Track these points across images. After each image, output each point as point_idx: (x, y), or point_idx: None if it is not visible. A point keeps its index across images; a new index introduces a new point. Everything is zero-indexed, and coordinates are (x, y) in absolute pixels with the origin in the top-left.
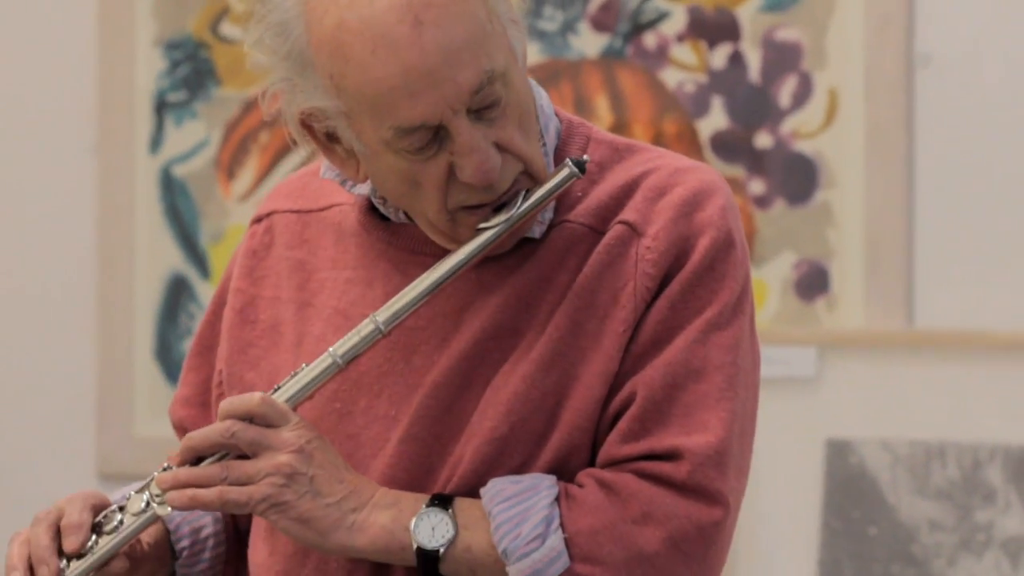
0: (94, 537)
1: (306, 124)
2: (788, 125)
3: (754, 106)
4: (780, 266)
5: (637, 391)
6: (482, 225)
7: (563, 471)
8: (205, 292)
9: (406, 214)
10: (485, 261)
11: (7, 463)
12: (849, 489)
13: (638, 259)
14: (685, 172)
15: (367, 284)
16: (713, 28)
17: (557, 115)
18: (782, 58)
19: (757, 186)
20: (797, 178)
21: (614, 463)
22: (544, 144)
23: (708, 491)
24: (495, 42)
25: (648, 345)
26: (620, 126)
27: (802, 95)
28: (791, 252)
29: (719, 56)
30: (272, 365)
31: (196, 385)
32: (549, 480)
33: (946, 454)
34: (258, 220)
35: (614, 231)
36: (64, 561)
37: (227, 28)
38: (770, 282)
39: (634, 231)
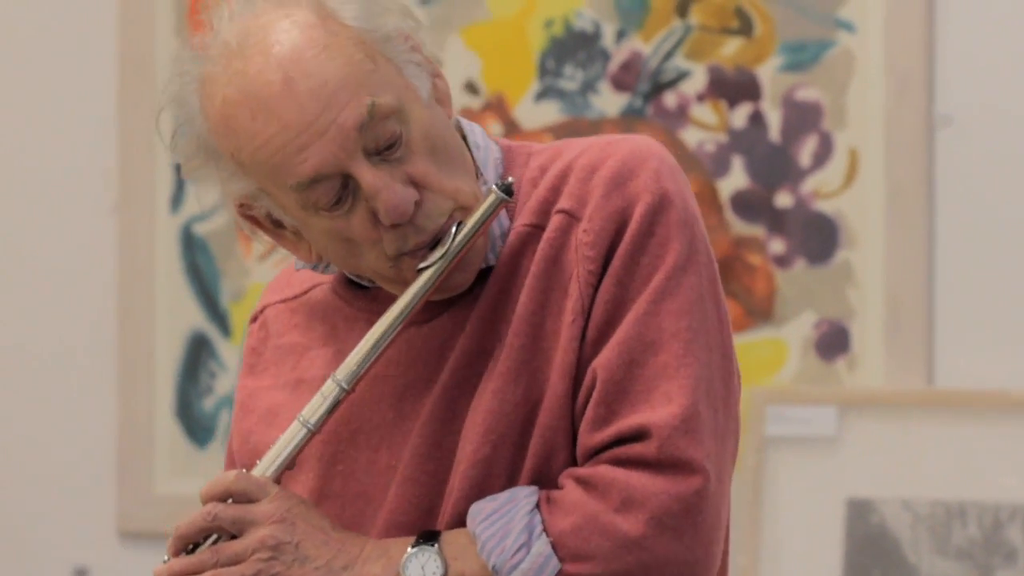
0: None
1: (247, 216)
2: (808, 185)
3: (774, 166)
4: (801, 326)
5: (597, 375)
6: (421, 265)
7: (547, 475)
8: (226, 350)
9: None
10: (456, 298)
11: (27, 521)
12: (870, 548)
13: (577, 244)
14: (615, 144)
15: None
16: (733, 88)
17: (497, 143)
18: (802, 118)
19: (777, 245)
20: (817, 238)
21: (590, 454)
22: (485, 181)
23: (682, 461)
24: (380, 79)
25: (603, 327)
26: None
27: (822, 155)
28: (811, 312)
29: (739, 116)
30: (267, 444)
31: None
32: (528, 490)
33: (967, 514)
34: (254, 319)
35: (553, 222)
36: None
37: None
38: (791, 342)
39: (572, 217)
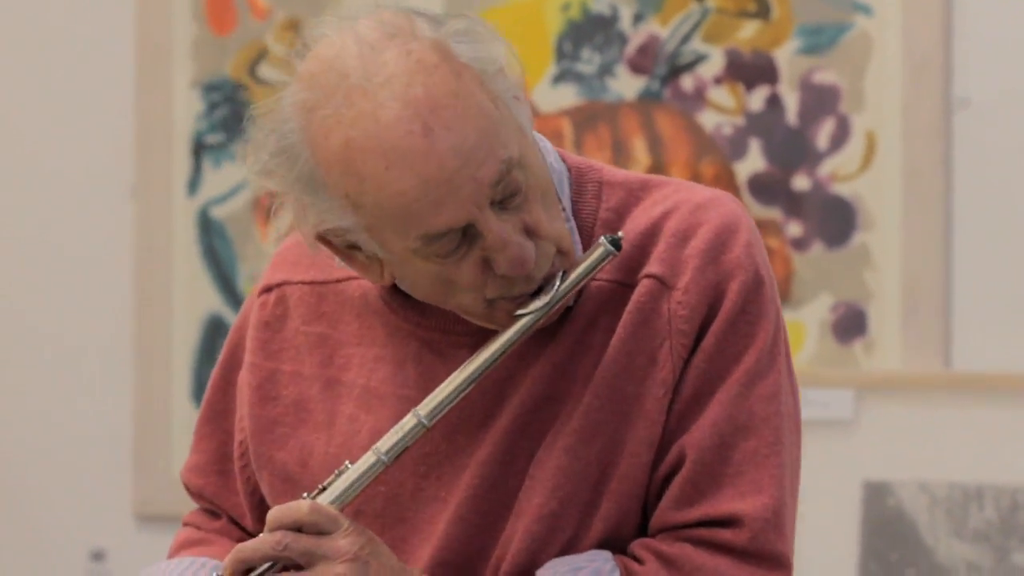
0: None
1: (323, 239)
2: (826, 167)
3: (792, 148)
4: (818, 308)
5: (686, 453)
6: (520, 312)
7: (615, 540)
8: None
9: None
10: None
11: (45, 504)
12: (887, 531)
13: (671, 316)
14: (705, 209)
15: (398, 364)
16: (751, 71)
17: (565, 161)
18: (820, 101)
19: (795, 228)
20: (835, 220)
21: (668, 529)
22: (563, 208)
23: (771, 555)
24: (505, 127)
25: (690, 401)
26: (657, 168)
27: (840, 138)
28: (828, 295)
29: (757, 99)
30: (301, 443)
31: (210, 452)
32: (609, 563)
33: (984, 496)
34: (268, 290)
35: (643, 286)
36: None
37: (265, 70)
38: (808, 324)
39: (663, 284)
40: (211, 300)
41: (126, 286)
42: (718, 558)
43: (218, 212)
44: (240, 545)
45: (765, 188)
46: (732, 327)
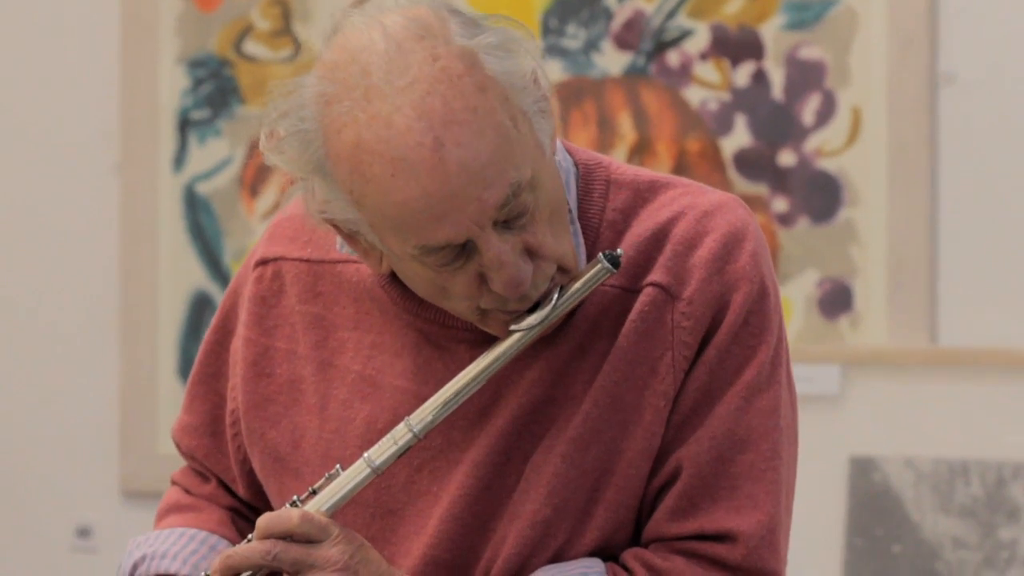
0: None
1: (329, 221)
2: (811, 143)
3: (777, 124)
4: (804, 284)
5: (682, 466)
6: (515, 327)
7: (608, 549)
8: None
9: None
10: None
11: (31, 480)
12: (873, 507)
13: (674, 326)
14: (712, 216)
15: (395, 353)
16: (736, 46)
17: (572, 156)
18: (805, 76)
19: (780, 204)
20: (820, 196)
21: (661, 540)
22: (569, 210)
23: (763, 572)
24: (521, 148)
25: (689, 413)
26: (643, 144)
27: (825, 113)
28: (814, 270)
29: (742, 74)
30: (294, 425)
31: (203, 414)
32: (599, 574)
33: (970, 472)
34: (263, 263)
35: (646, 294)
36: None
37: (250, 46)
38: (794, 300)
39: (668, 294)
40: (197, 276)
41: (112, 262)
42: (711, 573)
43: (203, 188)
44: (229, 551)
45: (751, 164)
46: (735, 339)
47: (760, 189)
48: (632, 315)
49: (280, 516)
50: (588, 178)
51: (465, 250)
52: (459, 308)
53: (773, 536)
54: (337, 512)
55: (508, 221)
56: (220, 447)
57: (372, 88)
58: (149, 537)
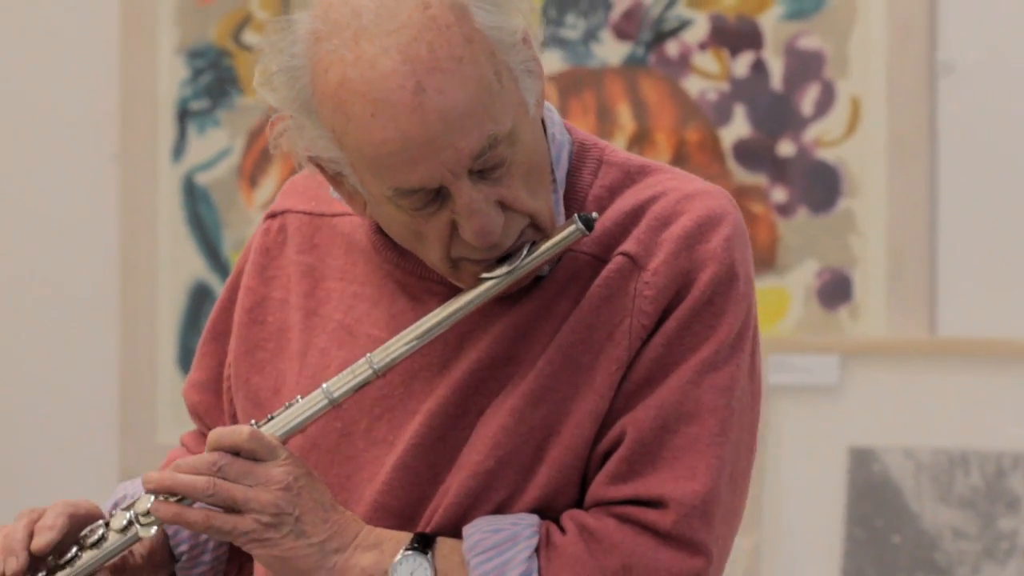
0: (75, 550)
1: (314, 161)
2: (811, 133)
3: (777, 114)
4: (803, 274)
5: (627, 431)
6: (484, 275)
7: (550, 508)
8: None
9: None
10: None
11: (31, 470)
12: (872, 497)
13: (636, 295)
14: (692, 199)
15: (373, 302)
16: (735, 36)
17: (571, 133)
18: (804, 66)
19: (780, 194)
20: (820, 186)
21: (599, 504)
22: (555, 180)
23: (691, 541)
24: (503, 101)
25: (641, 383)
26: (642, 134)
27: (824, 103)
28: (814, 260)
29: (741, 64)
30: (278, 371)
31: (210, 370)
32: (530, 528)
33: (969, 462)
34: (272, 216)
35: (615, 262)
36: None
37: (249, 36)
38: (793, 290)
39: (635, 264)
40: (196, 267)
41: (111, 253)
42: (639, 537)
43: (203, 178)
44: (178, 461)
45: (750, 154)
46: (696, 316)
47: (759, 179)
48: (598, 281)
49: (231, 430)
50: (581, 155)
51: (439, 196)
52: (432, 257)
53: (707, 509)
54: (300, 456)
55: (483, 172)
56: (220, 404)
57: (361, 30)
58: (135, 481)
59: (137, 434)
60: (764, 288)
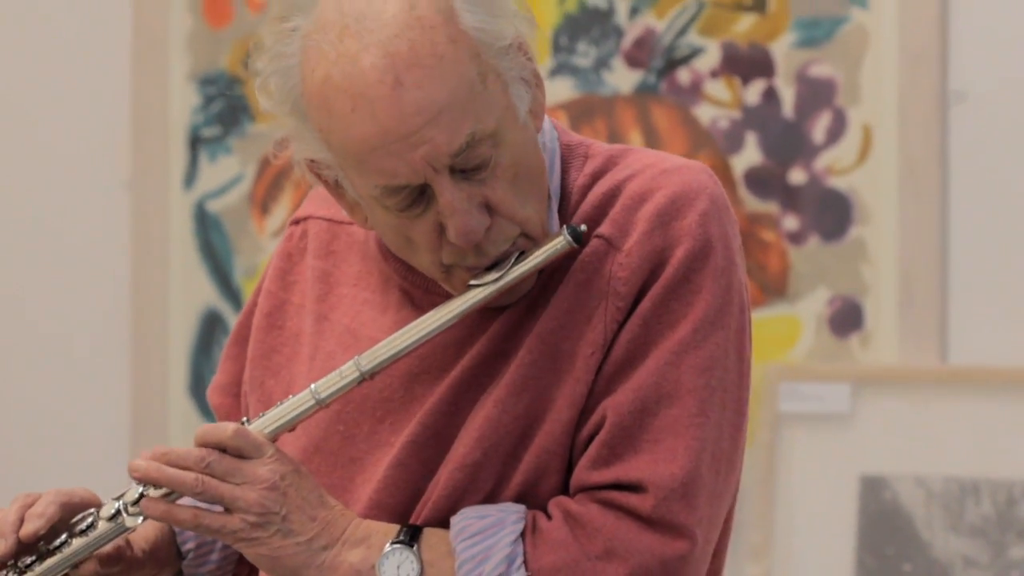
0: (65, 536)
1: (313, 170)
2: (822, 161)
3: (788, 142)
4: (814, 302)
5: (607, 416)
6: (473, 282)
7: (534, 495)
8: None
9: None
10: None
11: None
12: (883, 525)
13: (611, 276)
14: (667, 175)
15: (381, 309)
16: (747, 64)
17: (560, 139)
18: (816, 94)
19: (791, 222)
20: (831, 214)
21: (584, 489)
22: (548, 187)
23: (673, 524)
24: (486, 102)
25: (620, 364)
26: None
27: (836, 131)
28: (825, 288)
29: (753, 92)
30: (291, 375)
31: (233, 374)
32: (516, 515)
33: (980, 490)
34: (296, 222)
35: (591, 246)
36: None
37: None
38: (804, 318)
39: (610, 245)
40: (207, 294)
41: (122, 280)
42: (621, 521)
43: (214, 206)
44: (167, 448)
45: (761, 182)
46: (671, 294)
47: (770, 207)
48: (575, 265)
49: (217, 427)
50: (568, 156)
51: (424, 196)
52: (424, 263)
53: (688, 491)
54: (304, 460)
55: (466, 171)
56: (239, 407)
57: (346, 28)
58: None
59: None
60: (775, 316)
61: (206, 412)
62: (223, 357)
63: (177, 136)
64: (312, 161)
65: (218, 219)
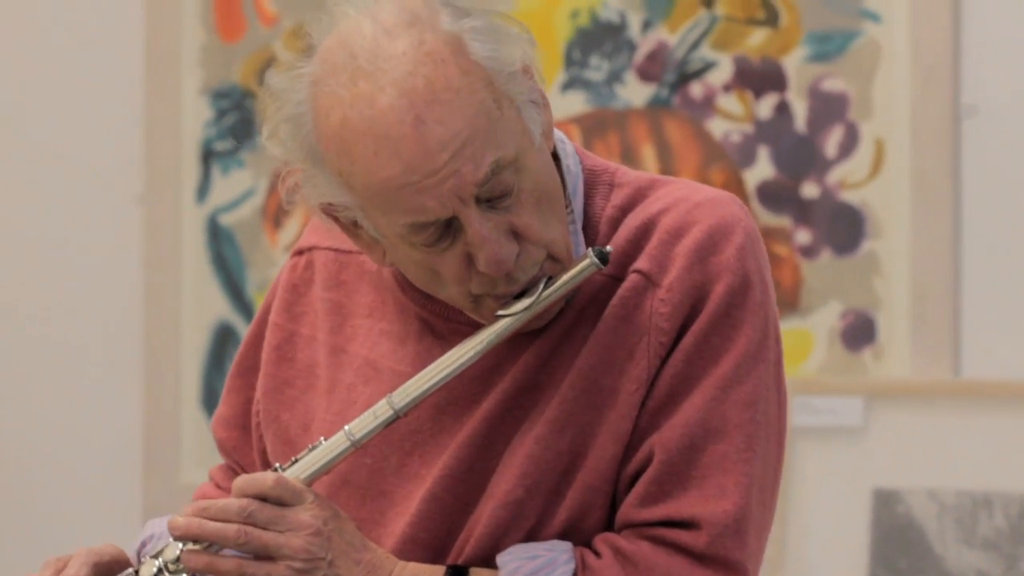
0: None
1: (329, 213)
2: (835, 175)
3: (800, 156)
4: (827, 316)
5: (654, 452)
6: (501, 312)
7: (577, 531)
8: None
9: None
10: None
11: (54, 510)
12: (896, 539)
13: (652, 312)
14: (701, 208)
15: (400, 340)
16: (759, 78)
17: (582, 161)
18: (828, 108)
19: (803, 236)
20: (843, 228)
21: (631, 526)
22: (571, 212)
23: (726, 560)
24: (504, 129)
25: (664, 400)
26: (666, 176)
27: (848, 145)
28: (837, 302)
29: (765, 106)
30: (307, 408)
31: (237, 406)
32: (566, 554)
33: (993, 504)
34: (299, 253)
35: (630, 280)
36: None
37: None
38: (816, 332)
39: (649, 281)
40: (220, 307)
41: (135, 293)
42: (674, 559)
43: (227, 219)
44: (206, 502)
45: (774, 196)
46: (713, 329)
47: (783, 221)
48: (614, 300)
49: (255, 477)
50: (592, 181)
51: (451, 229)
52: (452, 295)
53: (740, 527)
54: (331, 494)
55: (491, 200)
56: (249, 440)
57: (358, 70)
58: (163, 520)
59: (161, 474)
60: (787, 330)
61: None
62: (226, 389)
63: (190, 150)
64: (329, 204)
65: (230, 232)
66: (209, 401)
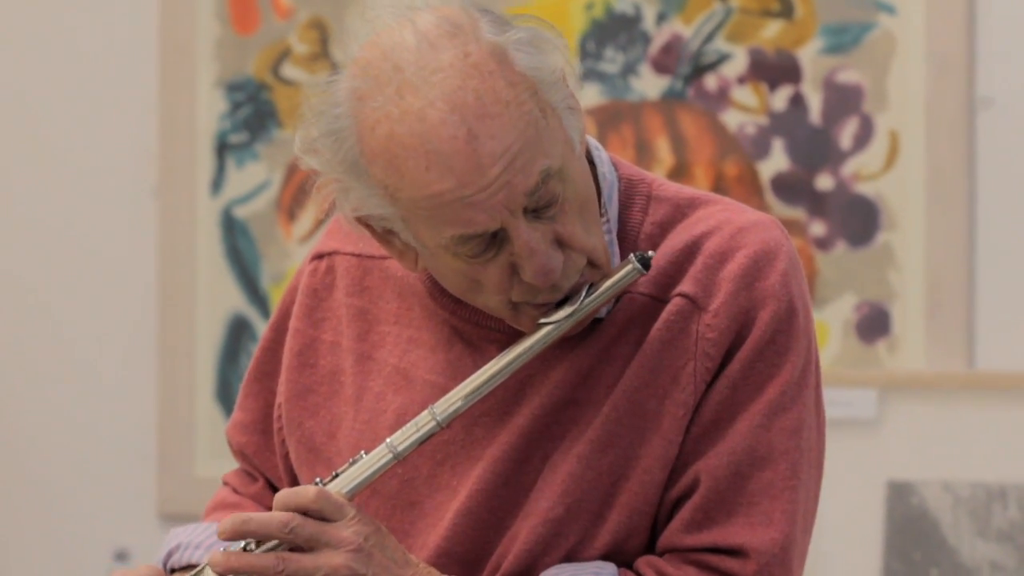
0: None
1: (363, 222)
2: (849, 167)
3: (815, 148)
4: (841, 308)
5: (700, 479)
6: (543, 320)
7: (620, 553)
8: None
9: None
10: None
11: (69, 503)
12: (910, 531)
13: (698, 337)
14: (746, 232)
15: (430, 348)
16: (774, 70)
17: (617, 169)
18: (843, 100)
19: (818, 228)
20: (858, 220)
21: (676, 551)
22: (607, 220)
23: None
24: (551, 137)
25: (709, 426)
26: (681, 168)
27: (863, 137)
28: (852, 294)
29: (780, 98)
30: (332, 415)
31: (255, 411)
32: (611, 573)
33: (1007, 496)
34: (319, 257)
35: (674, 304)
36: None
37: (288, 70)
38: (831, 324)
39: (695, 305)
40: (235, 300)
41: (150, 286)
42: None
43: (241, 212)
44: (246, 516)
45: (788, 188)
46: (759, 355)
47: (798, 213)
48: (658, 323)
49: (297, 492)
50: (630, 192)
51: (496, 239)
52: (491, 303)
53: (786, 555)
54: (360, 504)
55: (538, 210)
56: (269, 444)
57: (405, 84)
58: (188, 528)
59: (175, 467)
60: None
61: None
62: (242, 395)
63: (204, 142)
64: (363, 214)
65: (245, 225)
66: (224, 394)
